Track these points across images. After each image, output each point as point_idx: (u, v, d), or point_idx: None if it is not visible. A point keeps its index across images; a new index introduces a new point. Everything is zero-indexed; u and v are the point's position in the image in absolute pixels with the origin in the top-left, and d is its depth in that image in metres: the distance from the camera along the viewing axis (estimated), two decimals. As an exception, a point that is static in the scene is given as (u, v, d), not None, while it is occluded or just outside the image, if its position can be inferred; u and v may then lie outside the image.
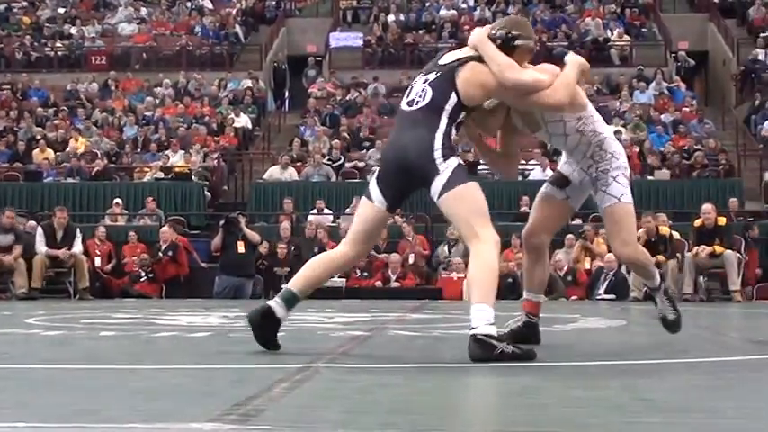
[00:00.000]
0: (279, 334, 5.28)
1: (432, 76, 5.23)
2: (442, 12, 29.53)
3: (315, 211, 19.15)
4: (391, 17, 29.40)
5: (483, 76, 5.14)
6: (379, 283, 16.52)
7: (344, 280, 16.40)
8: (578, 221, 16.99)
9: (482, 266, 4.91)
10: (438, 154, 5.02)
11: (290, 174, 20.65)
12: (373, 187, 5.35)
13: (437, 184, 5.03)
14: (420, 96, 5.20)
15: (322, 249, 17.11)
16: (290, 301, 5.30)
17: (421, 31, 28.77)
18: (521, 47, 5.29)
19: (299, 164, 21.17)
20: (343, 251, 5.47)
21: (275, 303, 5.26)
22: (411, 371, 4.66)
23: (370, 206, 5.37)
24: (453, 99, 5.12)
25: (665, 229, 15.76)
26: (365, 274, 16.74)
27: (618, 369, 4.68)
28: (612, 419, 3.16)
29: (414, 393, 3.82)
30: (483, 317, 4.79)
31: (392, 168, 5.27)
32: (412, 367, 4.79)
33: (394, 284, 16.50)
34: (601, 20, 28.52)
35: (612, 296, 15.40)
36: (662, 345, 6.01)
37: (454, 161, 5.04)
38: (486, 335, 4.76)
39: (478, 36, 5.26)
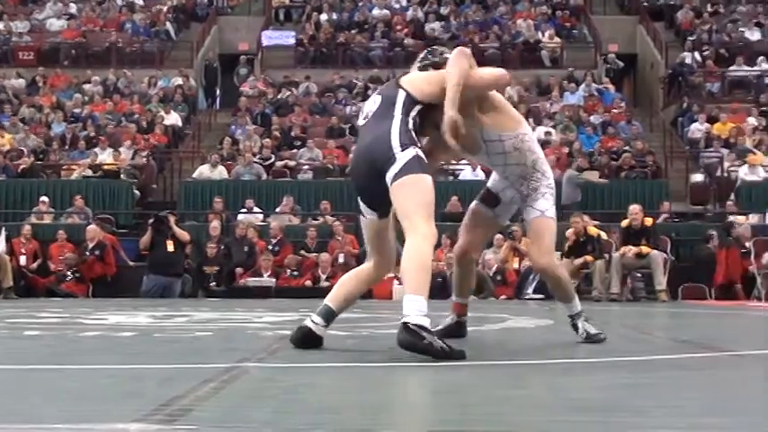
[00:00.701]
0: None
1: (381, 88, 5.56)
2: (375, 11, 29.56)
3: (245, 210, 19.07)
4: (324, 16, 29.36)
5: (426, 74, 5.41)
6: (308, 283, 16.50)
7: (274, 279, 16.38)
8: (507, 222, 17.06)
9: (415, 259, 4.92)
10: (396, 143, 5.09)
11: (220, 172, 20.54)
12: (360, 203, 5.42)
13: (391, 172, 5.06)
14: (373, 105, 5.38)
15: (252, 248, 17.07)
16: (329, 317, 5.47)
17: (353, 31, 28.78)
18: (444, 60, 5.50)
19: (229, 162, 21.06)
20: (369, 265, 5.60)
21: (314, 324, 5.45)
22: (340, 370, 4.66)
23: (365, 222, 5.48)
24: (402, 95, 5.26)
25: (593, 230, 15.95)
26: (295, 273, 16.71)
27: (544, 368, 4.72)
28: (539, 419, 3.19)
29: (342, 393, 3.82)
30: (416, 307, 4.80)
31: (362, 173, 5.29)
32: (341, 367, 4.79)
33: (324, 284, 16.47)
34: (532, 21, 28.75)
35: (541, 296, 15.52)
36: (588, 344, 6.07)
37: (412, 151, 5.07)
38: (417, 324, 4.75)
39: (459, 49, 5.48)
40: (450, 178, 20.67)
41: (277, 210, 19.25)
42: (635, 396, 3.74)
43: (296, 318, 9.31)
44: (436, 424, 3.08)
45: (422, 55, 5.74)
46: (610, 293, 15.17)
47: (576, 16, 30.03)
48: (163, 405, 3.25)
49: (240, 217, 18.86)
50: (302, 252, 17.36)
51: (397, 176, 5.03)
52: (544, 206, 5.79)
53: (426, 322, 4.80)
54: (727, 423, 3.13)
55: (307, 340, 5.43)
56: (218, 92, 28.68)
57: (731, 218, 18.81)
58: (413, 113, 5.24)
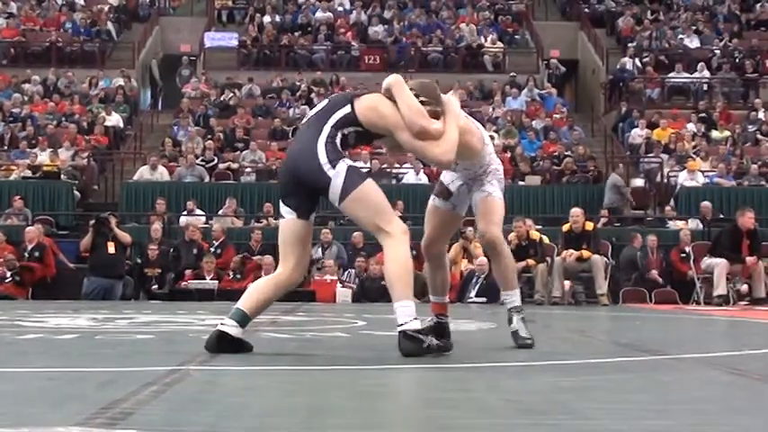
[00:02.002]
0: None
1: (334, 95, 5.62)
2: (318, 14, 29.53)
3: (187, 212, 18.96)
4: (267, 18, 29.27)
5: (382, 104, 5.34)
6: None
7: (216, 282, 16.28)
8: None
9: (395, 262, 5.15)
10: (324, 160, 5.18)
11: (162, 174, 20.39)
12: (281, 205, 5.49)
13: (333, 192, 5.20)
14: (319, 107, 5.47)
15: (200, 250, 16.97)
16: (243, 320, 5.38)
17: (297, 33, 28.72)
18: (437, 99, 5.51)
19: (171, 164, 20.92)
20: (281, 271, 5.54)
21: (228, 326, 5.34)
22: (283, 374, 4.65)
23: (283, 222, 5.51)
24: (346, 110, 5.30)
25: (535, 234, 16.05)
26: (238, 276, 16.62)
27: (487, 371, 4.74)
28: (480, 421, 3.20)
29: (285, 396, 3.81)
30: (407, 313, 5.08)
31: (288, 181, 5.40)
32: (284, 370, 4.78)
33: (267, 286, 16.39)
34: (475, 26, 28.89)
35: (484, 299, 15.59)
36: (529, 348, 6.11)
37: (343, 165, 5.18)
38: (414, 330, 5.05)
39: (396, 79, 5.44)
40: (394, 182, 20.70)
41: (219, 212, 19.15)
42: (577, 398, 3.77)
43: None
44: (377, 427, 3.08)
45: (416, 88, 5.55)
46: (552, 297, 15.28)
47: (519, 22, 30.22)
48: (104, 408, 3.22)
49: (182, 219, 18.74)
50: (245, 254, 17.28)
51: (342, 195, 5.18)
52: (490, 189, 5.91)
53: (418, 325, 5.10)
54: (668, 425, 3.16)
55: (222, 343, 5.31)
56: (159, 93, 28.50)
57: (670, 223, 19.06)
58: (346, 130, 5.30)
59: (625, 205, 20.07)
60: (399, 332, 5.09)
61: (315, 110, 5.51)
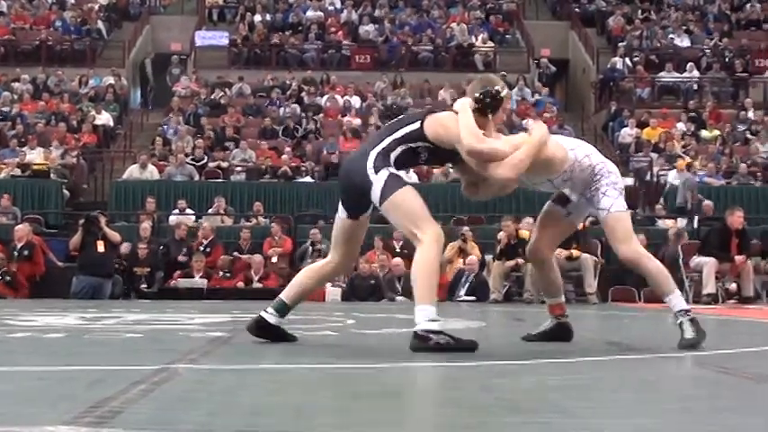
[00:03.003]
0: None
1: (414, 111, 5.85)
2: (309, 13, 29.51)
3: (177, 210, 18.94)
4: (257, 17, 29.24)
5: (449, 121, 5.53)
6: (241, 284, 16.42)
7: (206, 281, 16.27)
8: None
9: (419, 266, 5.37)
10: (370, 165, 5.45)
11: (152, 173, 20.36)
12: (340, 201, 5.81)
13: (374, 196, 5.45)
14: (392, 120, 5.80)
15: (190, 249, 16.95)
16: (282, 310, 5.90)
17: (287, 32, 28.70)
18: (505, 95, 5.76)
19: (161, 163, 20.89)
20: (328, 260, 5.97)
21: (267, 314, 5.90)
22: (273, 372, 4.65)
23: (336, 219, 5.87)
24: (415, 125, 5.54)
25: (524, 233, 16.03)
26: (227, 274, 16.62)
27: (477, 370, 4.75)
28: (470, 420, 3.20)
29: (274, 395, 3.81)
30: (424, 316, 5.27)
31: (341, 182, 5.76)
32: (274, 369, 4.77)
33: (256, 285, 16.41)
34: (466, 25, 28.90)
35: (473, 298, 15.61)
36: (519, 346, 6.13)
37: (385, 172, 5.43)
38: (425, 330, 5.24)
39: (462, 104, 5.61)
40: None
41: (209, 210, 19.13)
42: (566, 397, 3.77)
43: (228, 319, 9.27)
44: (370, 425, 3.08)
45: (478, 90, 5.67)
46: (540, 296, 15.22)
47: (509, 21, 30.24)
48: (92, 407, 3.21)
49: (172, 218, 18.72)
50: (235, 253, 17.26)
51: (382, 200, 5.44)
52: (607, 204, 5.87)
53: (435, 326, 5.27)
54: (656, 423, 3.17)
55: (260, 329, 5.89)
56: (150, 92, 28.47)
57: (659, 222, 19.09)
58: (415, 144, 5.54)
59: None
60: (413, 332, 5.32)
61: (394, 120, 5.80)
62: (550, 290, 6.39)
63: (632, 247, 5.95)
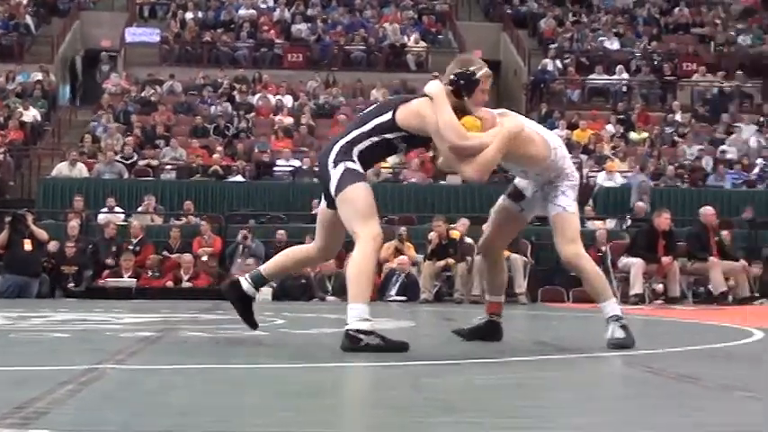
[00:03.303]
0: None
1: (387, 99, 6.09)
2: (242, 11, 29.37)
3: (106, 209, 18.73)
4: (189, 14, 29.03)
5: (424, 109, 5.49)
6: (170, 284, 16.29)
7: (135, 280, 16.13)
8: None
9: (355, 267, 5.39)
10: (331, 159, 5.50)
11: (80, 170, 20.12)
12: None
13: (332, 189, 5.50)
14: (363, 112, 5.79)
15: (119, 248, 16.78)
16: (258, 280, 5.97)
17: (219, 30, 28.53)
18: (482, 76, 5.64)
19: (90, 160, 20.66)
20: (312, 246, 6.09)
21: (243, 279, 6.02)
22: (202, 372, 4.61)
23: (319, 208, 5.95)
24: (387, 116, 5.53)
25: (455, 233, 16.12)
26: (156, 274, 16.48)
27: (406, 370, 4.75)
28: (400, 419, 3.20)
29: (203, 395, 3.78)
30: (355, 315, 5.28)
31: (317, 175, 5.97)
32: (202, 368, 4.74)
33: (186, 284, 16.30)
34: (398, 25, 28.94)
35: (403, 297, 15.64)
36: (449, 346, 6.15)
37: (342, 167, 5.46)
38: (355, 330, 5.25)
39: (437, 89, 5.57)
40: (315, 180, 20.66)
41: (139, 209, 18.95)
42: (496, 397, 3.79)
43: (157, 319, 9.19)
44: (298, 426, 3.07)
45: (454, 71, 5.65)
46: (471, 296, 15.37)
47: (442, 22, 30.36)
48: (17, 408, 3.16)
49: (101, 216, 18.51)
50: (164, 252, 17.13)
51: (336, 193, 5.48)
52: (565, 202, 5.93)
53: (366, 325, 5.26)
54: (586, 422, 3.19)
55: (233, 291, 6.00)
56: (78, 88, 28.15)
57: (588, 223, 19.25)
58: (390, 135, 5.53)
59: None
60: (344, 331, 5.32)
61: (364, 111, 5.78)
62: (494, 287, 6.44)
63: (577, 249, 6.00)
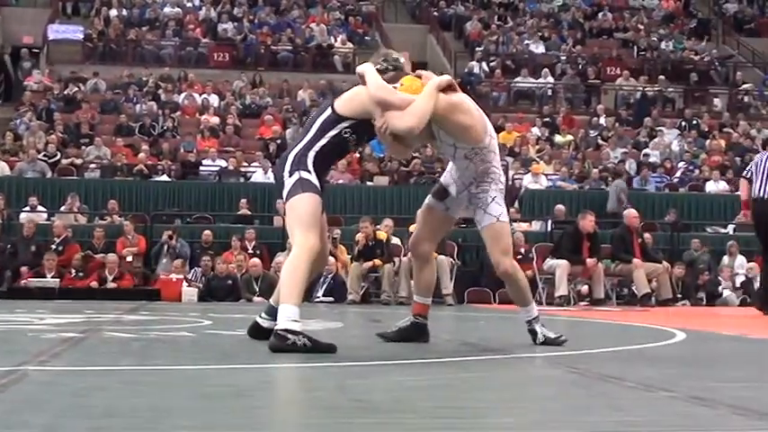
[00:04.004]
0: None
1: (323, 103, 6.13)
2: (167, 9, 29.13)
3: (28, 208, 18.46)
4: (113, 12, 28.72)
5: (358, 90, 5.75)
6: (94, 284, 16.10)
7: (58, 280, 15.91)
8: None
9: (288, 269, 5.47)
10: (286, 170, 5.61)
11: (2, 169, 19.81)
12: None
13: (283, 196, 5.63)
14: (308, 121, 5.90)
15: (39, 248, 16.53)
16: (273, 313, 5.85)
17: (144, 28, 28.27)
18: (404, 62, 5.90)
19: (12, 159, 20.34)
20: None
21: (261, 319, 6.16)
22: (126, 373, 4.56)
23: None
24: (328, 112, 5.71)
25: (382, 234, 16.14)
26: (80, 274, 16.28)
27: (332, 370, 4.74)
28: (325, 421, 3.19)
29: (127, 396, 3.73)
30: (286, 315, 5.33)
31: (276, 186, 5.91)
32: (127, 370, 4.69)
33: (110, 285, 16.12)
34: (325, 26, 28.91)
35: (331, 299, 15.63)
36: (376, 347, 6.15)
37: (296, 176, 5.57)
38: (284, 329, 5.28)
39: (366, 66, 5.78)
40: (242, 180, 20.58)
41: (62, 208, 18.70)
42: (422, 397, 3.79)
43: (80, 319, 9.07)
44: (223, 427, 3.05)
45: (378, 60, 5.84)
46: (398, 297, 15.40)
47: (369, 23, 30.40)
48: (-64, 410, 3.10)
49: (23, 215, 18.24)
50: (88, 252, 16.93)
51: (285, 200, 5.60)
52: (497, 211, 6.01)
53: (296, 326, 5.30)
54: (511, 423, 3.21)
55: (258, 333, 6.12)
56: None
57: (514, 225, 19.39)
58: (338, 129, 5.65)
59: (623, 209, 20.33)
60: (273, 330, 5.40)
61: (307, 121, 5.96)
62: (421, 287, 6.48)
63: (511, 261, 6.16)
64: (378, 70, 5.73)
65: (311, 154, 5.62)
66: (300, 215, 5.53)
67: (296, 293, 5.39)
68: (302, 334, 5.31)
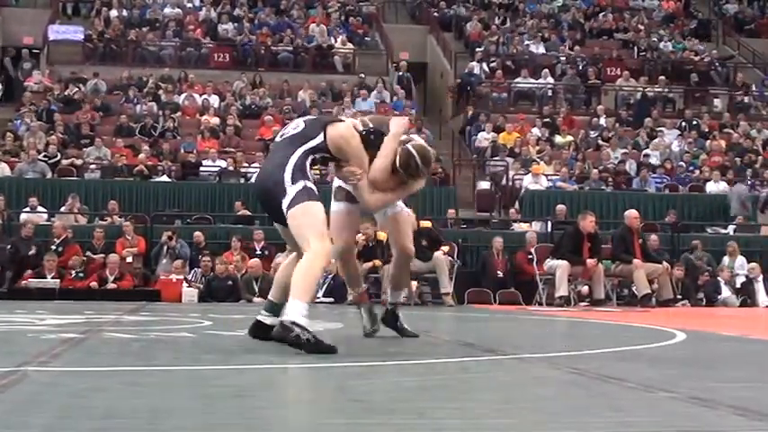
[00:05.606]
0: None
1: (309, 117, 6.49)
2: (167, 10, 29.12)
3: (28, 208, 18.46)
4: (114, 12, 28.71)
5: (351, 136, 5.97)
6: (94, 284, 16.09)
7: (58, 281, 15.91)
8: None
9: (303, 269, 5.51)
10: (288, 177, 5.68)
11: (2, 169, 19.80)
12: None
13: (285, 203, 5.66)
14: (293, 128, 6.00)
15: (39, 249, 16.53)
16: (273, 309, 6.14)
17: (144, 29, 28.26)
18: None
19: (12, 159, 20.34)
20: (295, 256, 6.18)
21: (262, 316, 6.22)
22: (126, 374, 4.56)
23: (279, 228, 6.15)
24: (319, 139, 5.85)
25: (381, 235, 16.12)
26: (80, 275, 16.27)
27: (333, 371, 4.74)
28: (326, 421, 3.20)
29: (128, 397, 3.74)
30: (295, 309, 5.37)
31: (260, 196, 6.04)
32: (127, 370, 4.69)
33: (110, 285, 16.12)
34: (325, 27, 28.90)
35: (331, 299, 15.63)
36: (376, 347, 6.16)
37: (301, 184, 5.66)
38: (290, 321, 5.32)
39: (351, 134, 6.00)
40: (242, 180, 20.58)
41: (62, 209, 18.70)
42: (422, 398, 3.79)
43: (81, 320, 9.07)
44: (222, 428, 3.05)
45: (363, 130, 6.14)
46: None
47: (369, 24, 30.38)
48: (-64, 411, 3.10)
49: (23, 216, 18.23)
50: (88, 253, 16.92)
51: (289, 206, 5.64)
52: (401, 203, 6.65)
53: (303, 321, 5.32)
54: (511, 424, 3.21)
55: (259, 331, 6.20)
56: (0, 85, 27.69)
57: (515, 225, 19.42)
58: (317, 155, 5.87)
59: (747, 215, 20.40)
60: (279, 321, 5.47)
61: (290, 131, 5.99)
62: (355, 282, 7.14)
63: (412, 245, 6.86)
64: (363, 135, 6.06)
65: (308, 163, 5.78)
66: (314, 223, 5.61)
67: (308, 292, 5.47)
68: (308, 330, 5.32)
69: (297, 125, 6.03)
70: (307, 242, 5.59)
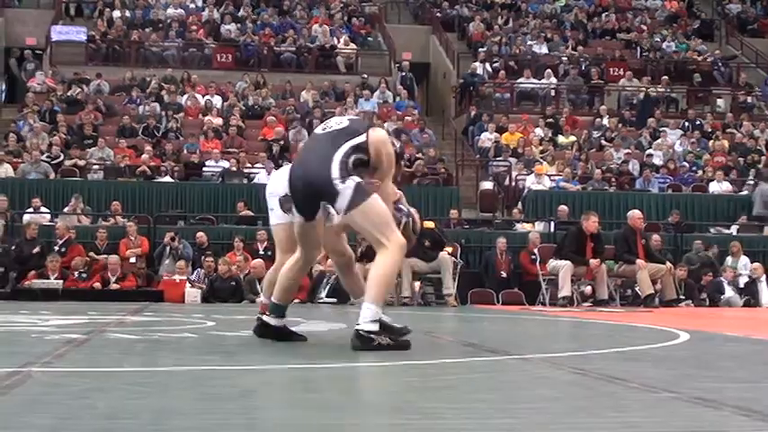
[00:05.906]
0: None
1: (352, 116, 6.20)
2: (170, 11, 29.14)
3: (31, 209, 18.47)
4: (116, 13, 28.74)
5: (387, 148, 5.95)
6: (97, 285, 16.10)
7: (61, 281, 15.92)
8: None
9: (378, 270, 5.67)
10: (336, 175, 5.68)
11: (5, 170, 19.82)
12: (294, 207, 6.05)
13: (341, 203, 5.69)
14: (337, 123, 6.04)
15: (43, 250, 16.53)
16: (277, 310, 6.36)
17: (147, 29, 28.27)
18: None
19: (15, 160, 20.36)
20: (296, 257, 6.34)
21: (266, 317, 6.43)
22: (129, 375, 4.56)
23: (295, 221, 6.11)
24: (362, 138, 5.88)
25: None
26: (83, 275, 16.27)
27: (337, 372, 4.74)
28: (330, 421, 3.19)
29: (131, 398, 3.73)
30: (368, 315, 5.58)
31: (299, 188, 5.89)
32: (130, 371, 4.69)
33: (113, 286, 16.13)
34: (328, 27, 28.90)
35: (334, 300, 15.62)
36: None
37: (351, 182, 5.69)
38: (366, 331, 5.55)
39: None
40: (245, 181, 20.58)
41: (65, 209, 18.71)
42: (426, 398, 3.79)
43: (84, 321, 9.07)
44: (225, 429, 3.05)
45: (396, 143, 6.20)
46: (401, 297, 15.39)
47: (371, 24, 30.38)
48: (-60, 412, 3.10)
49: (26, 217, 18.24)
50: (91, 254, 16.93)
51: (350, 207, 5.68)
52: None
53: (375, 327, 5.58)
54: (514, 424, 3.21)
55: (264, 331, 6.41)
56: (3, 86, 27.69)
57: (518, 226, 19.41)
58: (354, 156, 5.82)
59: None
60: (354, 330, 5.63)
61: (333, 125, 6.02)
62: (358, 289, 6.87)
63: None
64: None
65: (351, 162, 5.79)
66: (382, 217, 5.73)
67: (382, 295, 5.66)
68: (382, 333, 5.59)
69: (341, 121, 6.12)
70: (380, 240, 5.70)
